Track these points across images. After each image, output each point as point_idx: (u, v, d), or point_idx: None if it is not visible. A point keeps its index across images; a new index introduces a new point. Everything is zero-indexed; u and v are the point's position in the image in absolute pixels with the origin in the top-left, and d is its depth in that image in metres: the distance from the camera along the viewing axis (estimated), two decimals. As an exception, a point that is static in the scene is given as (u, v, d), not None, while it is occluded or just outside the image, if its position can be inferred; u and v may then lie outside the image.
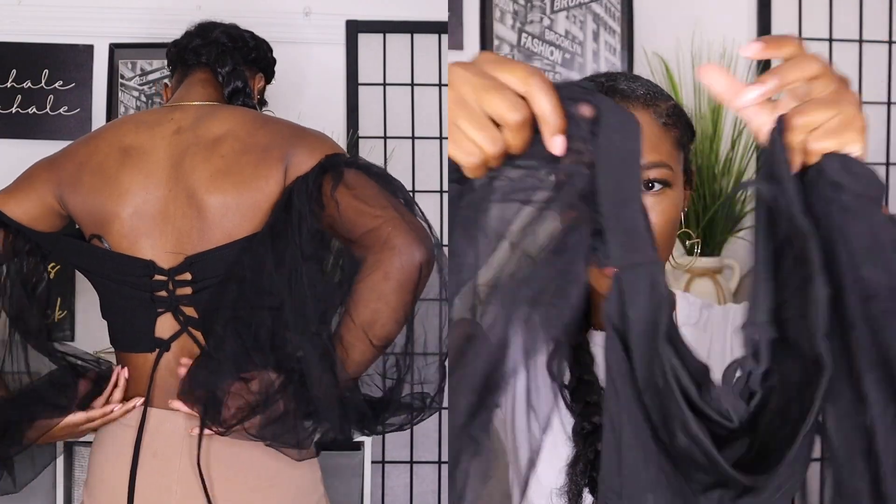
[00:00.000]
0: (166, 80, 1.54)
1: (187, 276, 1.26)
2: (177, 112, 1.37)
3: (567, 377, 1.09)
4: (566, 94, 0.72)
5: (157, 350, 1.28)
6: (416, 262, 1.17)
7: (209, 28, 1.50)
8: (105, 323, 1.36)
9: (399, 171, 2.42)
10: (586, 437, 1.06)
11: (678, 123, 1.10)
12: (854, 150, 0.70)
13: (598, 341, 1.13)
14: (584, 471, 1.05)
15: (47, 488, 2.09)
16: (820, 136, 0.70)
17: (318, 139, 1.32)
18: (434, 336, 1.29)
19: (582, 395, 1.08)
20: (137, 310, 1.29)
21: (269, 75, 1.59)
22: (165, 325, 1.28)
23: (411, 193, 2.42)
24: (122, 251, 1.28)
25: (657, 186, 1.06)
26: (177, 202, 1.28)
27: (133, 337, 1.31)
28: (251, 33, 1.55)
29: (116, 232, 1.29)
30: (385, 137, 2.43)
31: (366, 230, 1.20)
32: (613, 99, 1.04)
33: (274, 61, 1.60)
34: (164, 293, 1.27)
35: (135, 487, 1.24)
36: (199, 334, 1.26)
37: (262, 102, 1.57)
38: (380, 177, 1.28)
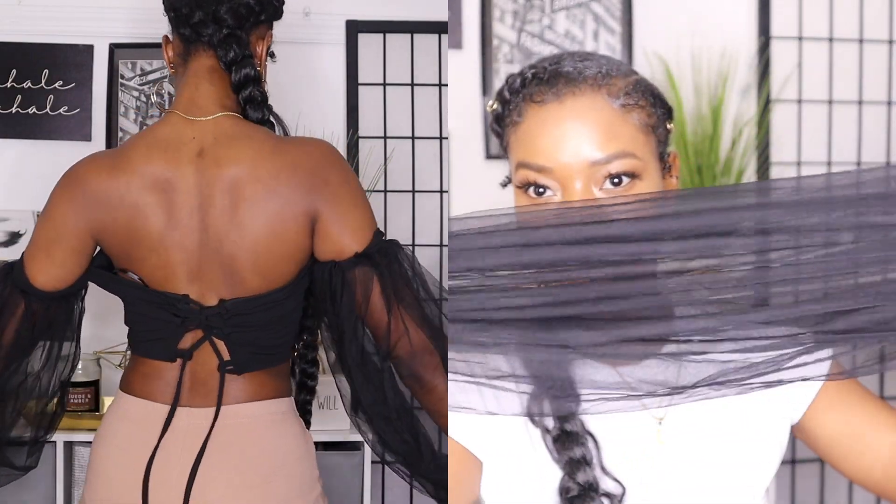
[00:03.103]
0: (167, 34, 1.41)
1: (221, 311, 1.31)
2: (196, 128, 1.30)
3: (551, 425, 0.97)
4: None
5: (181, 360, 1.32)
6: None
7: (210, 1, 1.34)
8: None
9: (399, 171, 2.43)
10: (572, 501, 0.95)
11: (642, 102, 0.95)
12: None
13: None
14: None
15: (47, 488, 2.09)
16: None
17: (339, 185, 1.30)
18: None
19: (565, 450, 0.96)
20: (166, 327, 1.33)
21: (278, 16, 1.47)
22: (189, 338, 1.32)
23: (411, 193, 2.43)
24: (155, 286, 1.31)
25: (624, 180, 0.93)
26: (208, 243, 1.28)
27: (156, 347, 1.34)
28: None
29: (150, 269, 1.31)
30: (385, 137, 2.43)
31: (420, 362, 1.28)
32: (557, 85, 0.93)
33: (279, 1, 1.44)
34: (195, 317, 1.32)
35: (149, 482, 1.28)
36: (220, 342, 1.31)
37: (271, 55, 1.46)
38: (419, 281, 1.32)
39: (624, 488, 0.96)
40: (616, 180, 0.92)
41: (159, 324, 1.33)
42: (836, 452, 1.07)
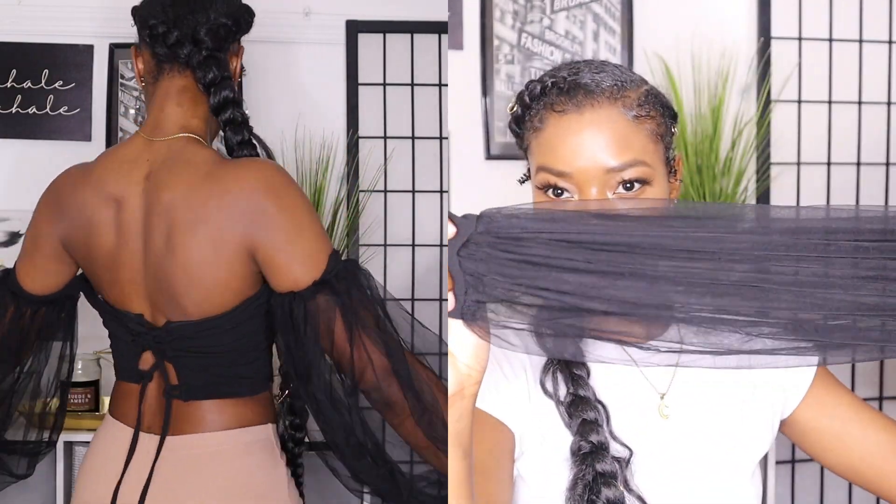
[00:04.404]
0: (135, 44, 1.36)
1: (165, 333, 1.30)
2: (151, 149, 1.29)
3: (563, 393, 1.06)
4: None
5: (142, 381, 1.32)
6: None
7: (188, 20, 1.30)
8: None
9: (399, 171, 2.43)
10: (584, 458, 1.02)
11: (652, 112, 1.03)
12: None
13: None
14: (583, 493, 1.01)
15: (47, 488, 2.09)
16: None
17: (277, 213, 1.23)
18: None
19: (578, 412, 1.04)
20: (126, 347, 1.34)
21: (249, 29, 1.40)
22: (147, 359, 1.32)
23: (411, 193, 2.43)
24: (114, 304, 1.32)
25: (636, 186, 1.01)
26: (150, 266, 1.27)
27: (123, 367, 1.36)
28: (230, 12, 1.34)
29: (108, 285, 1.32)
30: (385, 137, 2.43)
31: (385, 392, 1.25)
32: (577, 97, 1.01)
33: (250, 15, 1.38)
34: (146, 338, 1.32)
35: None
36: (169, 367, 1.30)
37: (242, 68, 1.43)
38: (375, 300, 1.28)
39: (631, 451, 1.04)
40: (628, 185, 1.00)
41: (121, 343, 1.34)
42: (822, 446, 1.17)
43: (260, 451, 1.30)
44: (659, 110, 1.05)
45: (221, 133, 1.35)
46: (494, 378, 1.05)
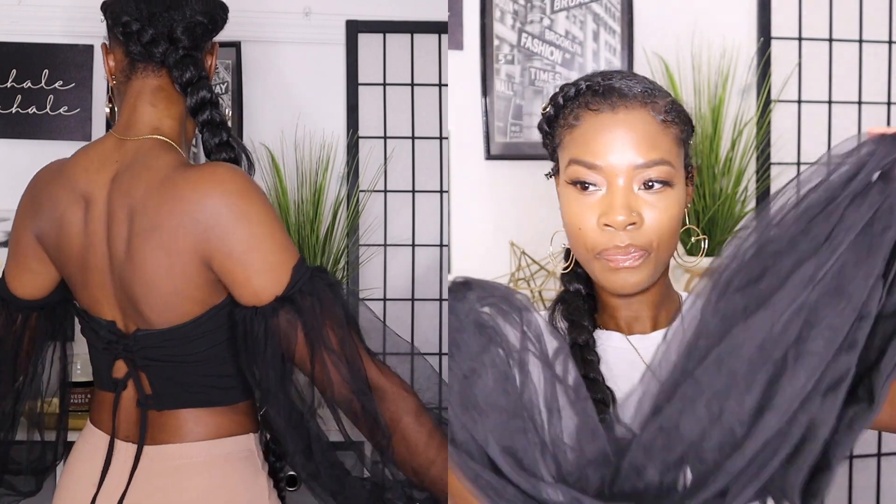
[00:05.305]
0: (105, 41, 1.31)
1: (133, 341, 1.27)
2: (122, 150, 1.25)
3: (572, 376, 1.08)
4: None
5: (115, 389, 1.29)
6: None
7: (163, 18, 1.25)
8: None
9: (399, 171, 2.43)
10: None
11: (677, 120, 1.11)
12: None
13: (604, 341, 1.13)
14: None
15: (47, 488, 2.08)
16: None
17: (233, 222, 1.17)
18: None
19: (589, 391, 1.06)
20: (99, 354, 1.31)
21: (222, 28, 1.35)
22: (120, 367, 1.29)
23: (411, 193, 2.43)
24: (87, 308, 1.29)
25: (657, 185, 1.07)
26: (114, 271, 1.24)
27: (99, 375, 1.33)
28: (206, 10, 1.29)
29: (79, 288, 1.29)
30: (385, 137, 2.43)
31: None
32: (612, 98, 1.08)
33: (225, 13, 1.33)
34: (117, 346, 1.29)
35: None
36: (143, 375, 1.26)
37: (215, 69, 1.38)
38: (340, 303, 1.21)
39: (635, 434, 1.04)
40: (651, 184, 1.06)
41: (95, 350, 1.31)
42: None
43: (240, 462, 1.27)
44: (682, 118, 1.12)
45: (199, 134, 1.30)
46: None
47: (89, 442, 1.32)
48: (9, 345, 1.36)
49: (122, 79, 1.28)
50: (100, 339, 1.29)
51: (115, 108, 1.33)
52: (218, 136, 1.26)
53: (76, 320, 1.40)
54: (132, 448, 1.26)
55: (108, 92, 1.36)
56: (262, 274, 1.17)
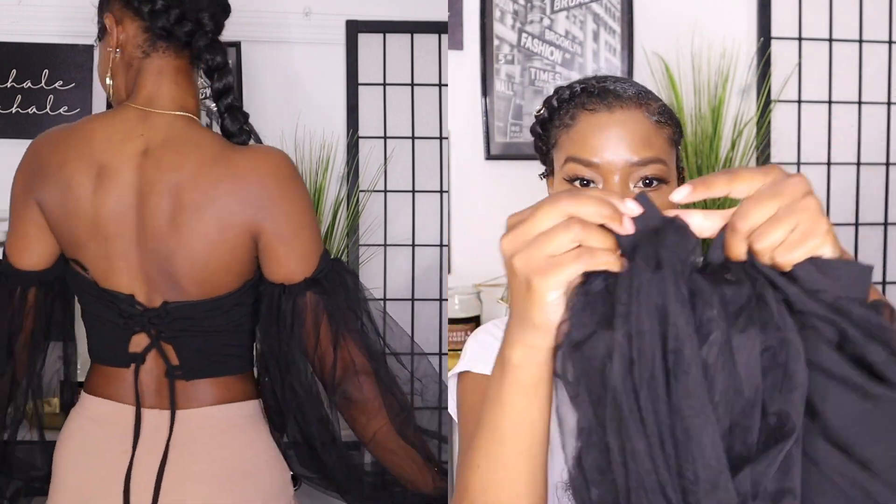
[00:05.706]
0: (112, 14, 1.30)
1: (163, 313, 1.29)
2: (147, 124, 1.27)
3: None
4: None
5: (133, 364, 1.30)
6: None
7: (188, 1, 1.29)
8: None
9: (399, 170, 2.43)
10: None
11: (669, 121, 1.14)
12: (825, 252, 0.66)
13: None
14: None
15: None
16: (784, 251, 0.66)
17: (285, 202, 1.26)
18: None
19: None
20: (114, 330, 1.31)
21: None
22: (139, 341, 1.30)
23: (411, 193, 2.43)
24: (99, 279, 1.29)
25: (654, 183, 1.09)
26: (146, 244, 1.25)
27: (108, 352, 1.33)
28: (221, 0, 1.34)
29: (92, 257, 1.28)
30: (385, 137, 2.43)
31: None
32: (608, 98, 1.11)
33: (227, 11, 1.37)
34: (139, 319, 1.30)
35: (130, 493, 1.26)
36: (168, 347, 1.29)
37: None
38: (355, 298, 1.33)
39: None
40: (646, 182, 1.08)
41: (109, 326, 1.31)
42: None
43: (259, 422, 1.34)
44: (674, 121, 1.15)
45: (209, 118, 1.35)
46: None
47: (99, 411, 1.31)
48: (8, 318, 1.35)
49: (138, 54, 1.29)
50: (118, 314, 1.29)
51: (114, 82, 1.33)
52: (238, 122, 1.31)
53: (75, 320, 1.40)
54: (160, 414, 1.29)
55: (106, 95, 1.36)
56: (299, 256, 1.27)
